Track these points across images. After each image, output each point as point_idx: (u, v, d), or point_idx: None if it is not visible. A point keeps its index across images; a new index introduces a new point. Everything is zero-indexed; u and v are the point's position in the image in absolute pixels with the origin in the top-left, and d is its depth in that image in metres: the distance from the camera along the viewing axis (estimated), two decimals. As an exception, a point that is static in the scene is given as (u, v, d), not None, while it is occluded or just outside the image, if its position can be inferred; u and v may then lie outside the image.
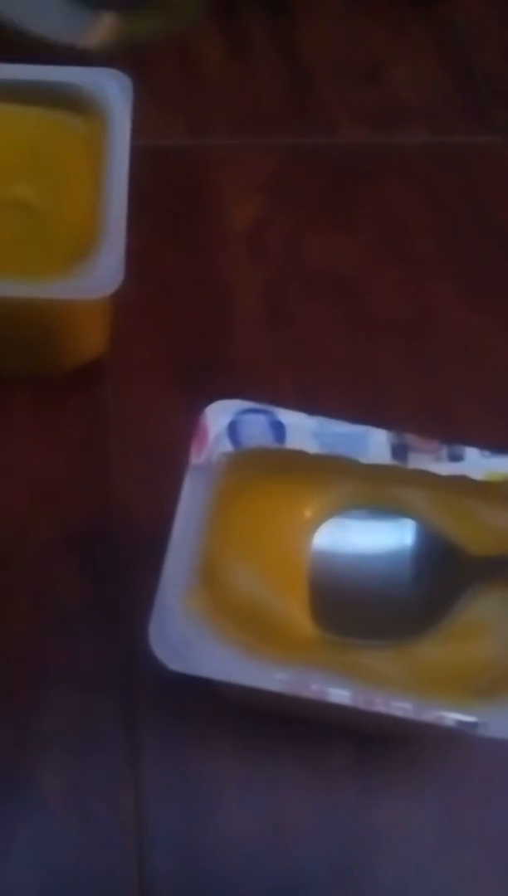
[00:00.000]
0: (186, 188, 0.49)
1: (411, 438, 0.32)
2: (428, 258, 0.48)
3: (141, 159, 0.46)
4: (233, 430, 0.32)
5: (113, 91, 0.40)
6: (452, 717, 0.27)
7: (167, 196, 0.48)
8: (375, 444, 0.32)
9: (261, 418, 0.32)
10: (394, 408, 0.42)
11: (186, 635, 0.28)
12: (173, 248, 0.47)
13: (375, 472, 0.32)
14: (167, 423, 0.41)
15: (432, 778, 0.35)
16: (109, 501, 0.39)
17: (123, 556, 0.38)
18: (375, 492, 0.33)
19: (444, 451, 0.32)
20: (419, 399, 0.43)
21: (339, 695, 0.28)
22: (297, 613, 0.32)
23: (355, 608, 0.32)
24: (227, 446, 0.32)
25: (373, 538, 0.33)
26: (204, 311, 0.45)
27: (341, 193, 0.50)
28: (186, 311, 0.45)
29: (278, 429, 0.32)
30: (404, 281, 0.47)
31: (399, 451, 0.32)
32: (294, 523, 0.34)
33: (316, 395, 0.43)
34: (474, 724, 0.27)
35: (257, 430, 0.32)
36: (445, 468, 0.32)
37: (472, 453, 0.32)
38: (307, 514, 0.34)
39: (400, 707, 0.27)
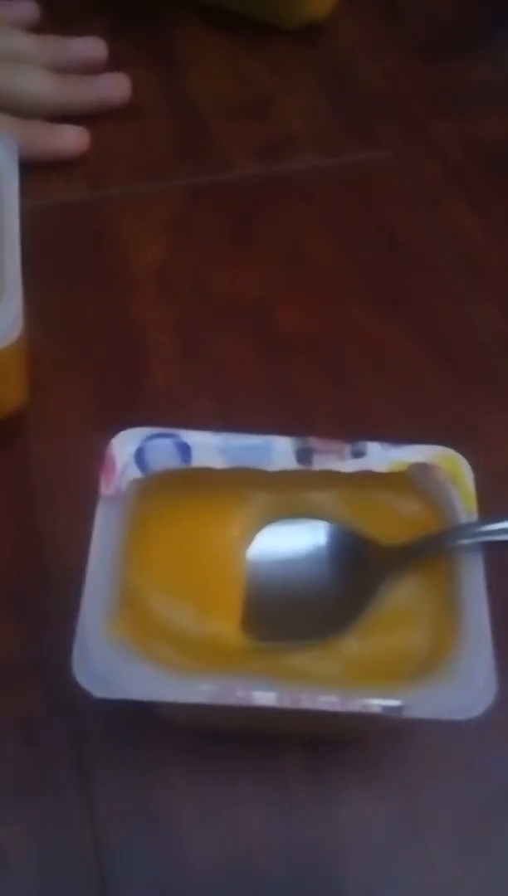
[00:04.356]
0: (92, 239, 0.50)
1: (314, 441, 0.33)
2: (333, 275, 0.49)
3: (46, 217, 0.47)
4: (140, 456, 0.33)
5: (-2, 152, 0.42)
6: (376, 703, 0.28)
7: (74, 248, 0.49)
8: (279, 452, 0.33)
9: (167, 442, 0.33)
10: (311, 421, 0.43)
11: (110, 662, 0.28)
12: (85, 296, 0.48)
13: (284, 479, 0.33)
14: (92, 465, 0.42)
15: (389, 776, 0.35)
16: (40, 549, 0.39)
17: (58, 600, 0.38)
18: (288, 500, 0.34)
19: (347, 449, 0.33)
20: (334, 410, 0.44)
21: (264, 697, 0.28)
22: (227, 628, 0.33)
23: (283, 614, 0.33)
24: (135, 473, 0.32)
25: (293, 545, 0.34)
26: (120, 352, 0.46)
27: (242, 224, 0.51)
28: (102, 354, 0.46)
29: (184, 449, 0.33)
30: (311, 299, 0.48)
31: (304, 455, 0.33)
32: (216, 540, 0.34)
33: (235, 418, 0.43)
34: (399, 708, 0.27)
35: (163, 454, 0.33)
36: (349, 465, 0.33)
37: (373, 448, 0.33)
38: (229, 530, 0.34)
39: (326, 701, 0.28)
